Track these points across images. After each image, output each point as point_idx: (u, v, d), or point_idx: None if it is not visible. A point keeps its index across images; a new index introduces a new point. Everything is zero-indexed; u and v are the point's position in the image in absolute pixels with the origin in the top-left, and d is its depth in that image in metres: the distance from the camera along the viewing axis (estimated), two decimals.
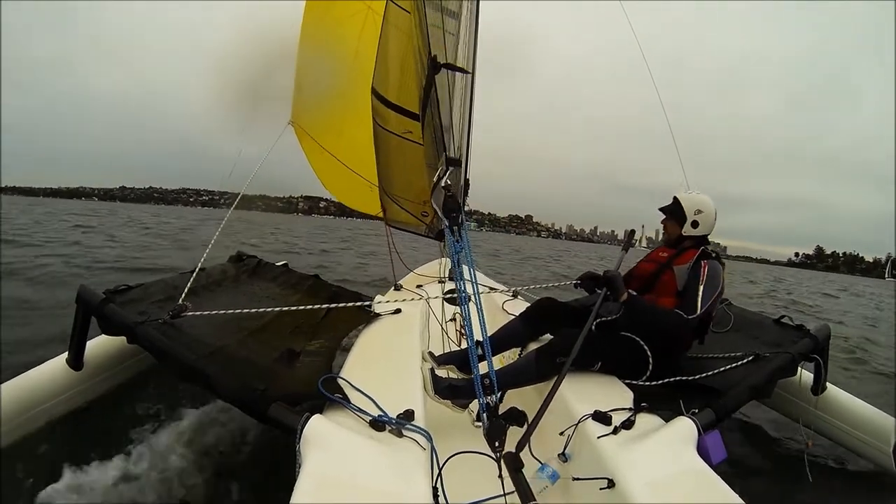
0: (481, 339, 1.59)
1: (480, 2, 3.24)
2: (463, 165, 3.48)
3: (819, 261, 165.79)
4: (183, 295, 2.16)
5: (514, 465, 1.23)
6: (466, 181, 3.55)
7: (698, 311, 1.95)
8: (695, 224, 2.19)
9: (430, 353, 2.09)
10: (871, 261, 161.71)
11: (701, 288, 1.98)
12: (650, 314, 2.07)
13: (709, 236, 2.23)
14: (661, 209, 2.30)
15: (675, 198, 2.25)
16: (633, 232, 2.69)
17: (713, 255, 2.14)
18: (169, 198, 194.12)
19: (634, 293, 2.13)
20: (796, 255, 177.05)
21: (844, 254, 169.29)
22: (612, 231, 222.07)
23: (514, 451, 1.31)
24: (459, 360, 2.06)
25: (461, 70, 3.13)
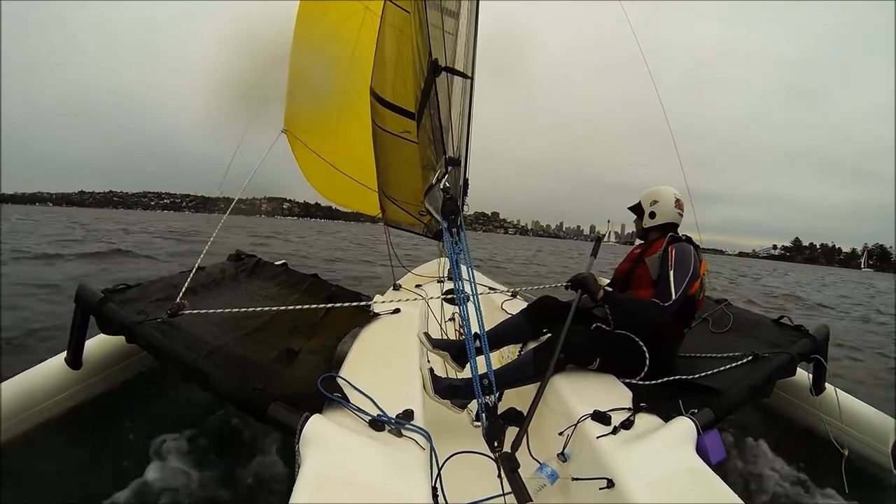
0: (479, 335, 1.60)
1: (480, 2, 3.24)
2: (462, 165, 3.47)
3: (798, 252, 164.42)
4: (181, 294, 2.16)
5: (509, 465, 1.23)
6: (466, 181, 3.55)
7: (673, 296, 1.94)
8: (652, 214, 2.25)
9: (426, 335, 2.10)
10: (848, 251, 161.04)
11: (671, 273, 1.99)
12: (627, 307, 2.10)
13: (678, 225, 2.26)
14: (629, 209, 2.39)
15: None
16: (599, 238, 2.77)
17: (683, 238, 2.17)
18: (129, 202, 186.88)
19: (610, 290, 2.17)
20: (774, 247, 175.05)
21: (822, 245, 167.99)
22: (579, 227, 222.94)
23: (509, 450, 1.30)
24: (456, 349, 2.07)
25: (462, 75, 3.13)
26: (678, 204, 2.23)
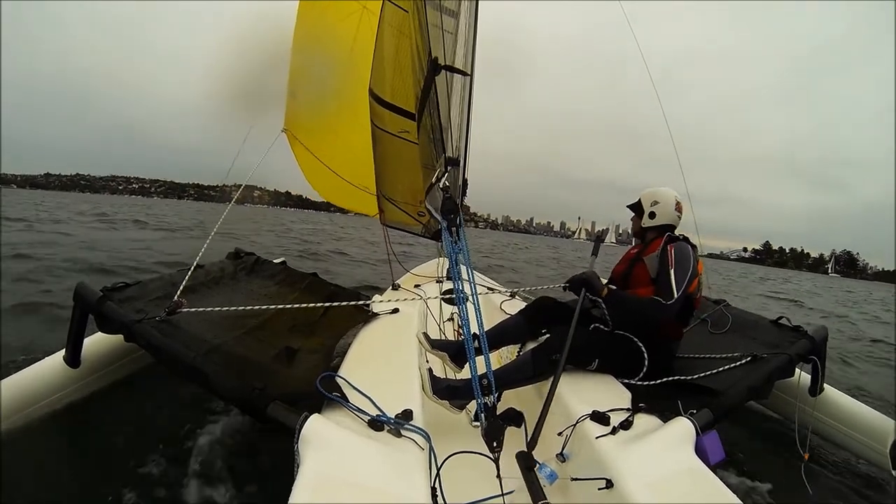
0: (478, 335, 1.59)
1: (480, 1, 3.23)
2: (461, 165, 3.48)
3: (768, 256, 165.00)
4: (178, 292, 2.15)
5: (526, 463, 1.24)
6: (465, 181, 3.55)
7: (675, 295, 1.95)
8: (652, 215, 2.26)
9: (425, 335, 2.10)
10: (816, 256, 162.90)
11: (672, 271, 2.00)
12: (630, 305, 2.09)
13: (676, 227, 2.27)
14: (628, 207, 2.39)
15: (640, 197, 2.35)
16: (600, 237, 2.79)
17: (680, 237, 2.19)
18: (96, 185, 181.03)
19: (614, 287, 2.17)
20: (745, 249, 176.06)
21: (791, 249, 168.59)
22: (549, 223, 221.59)
23: (525, 450, 1.32)
24: (454, 349, 2.07)
25: (461, 72, 3.12)
26: (678, 206, 2.25)
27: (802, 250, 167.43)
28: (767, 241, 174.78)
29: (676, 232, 2.25)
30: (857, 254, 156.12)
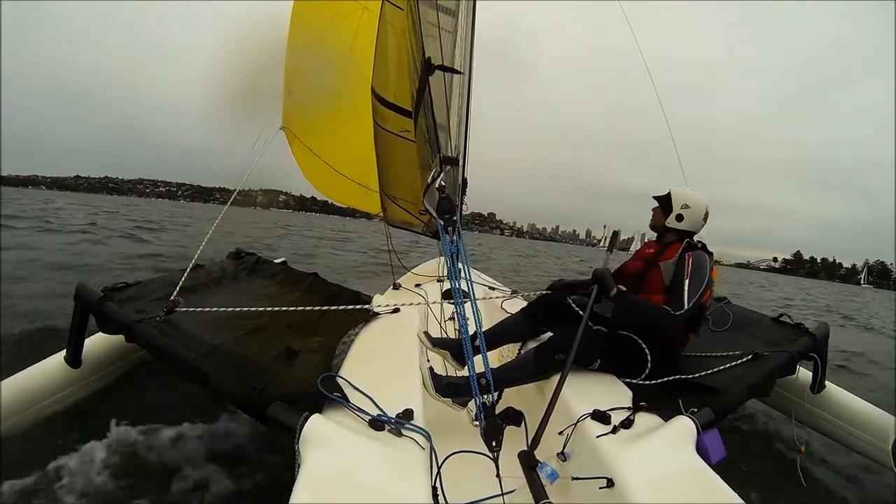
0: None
1: (477, 0, 3.23)
2: (461, 164, 3.48)
3: (799, 266, 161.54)
4: (176, 291, 2.15)
5: (528, 462, 1.24)
6: (465, 180, 3.55)
7: (686, 307, 1.93)
8: (679, 217, 2.19)
9: (426, 333, 2.10)
10: (848, 266, 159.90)
11: (686, 282, 1.97)
12: (639, 310, 2.07)
13: (696, 235, 2.22)
14: (654, 197, 2.31)
15: (669, 190, 2.26)
16: (616, 233, 2.73)
17: (699, 245, 2.14)
18: (124, 188, 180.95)
19: (624, 289, 2.13)
20: (775, 259, 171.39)
21: (822, 260, 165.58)
22: (574, 231, 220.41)
23: (527, 449, 1.33)
24: (455, 347, 2.07)
25: (455, 71, 3.12)
26: (706, 216, 2.20)
27: (834, 260, 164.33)
28: (798, 251, 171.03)
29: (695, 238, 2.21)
30: (891, 264, 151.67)
